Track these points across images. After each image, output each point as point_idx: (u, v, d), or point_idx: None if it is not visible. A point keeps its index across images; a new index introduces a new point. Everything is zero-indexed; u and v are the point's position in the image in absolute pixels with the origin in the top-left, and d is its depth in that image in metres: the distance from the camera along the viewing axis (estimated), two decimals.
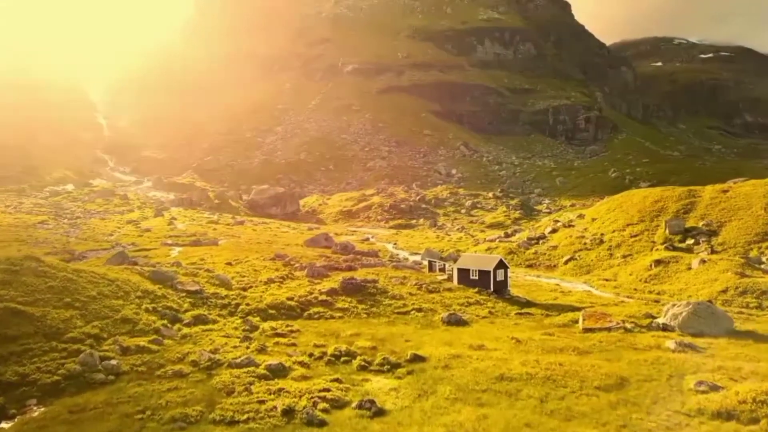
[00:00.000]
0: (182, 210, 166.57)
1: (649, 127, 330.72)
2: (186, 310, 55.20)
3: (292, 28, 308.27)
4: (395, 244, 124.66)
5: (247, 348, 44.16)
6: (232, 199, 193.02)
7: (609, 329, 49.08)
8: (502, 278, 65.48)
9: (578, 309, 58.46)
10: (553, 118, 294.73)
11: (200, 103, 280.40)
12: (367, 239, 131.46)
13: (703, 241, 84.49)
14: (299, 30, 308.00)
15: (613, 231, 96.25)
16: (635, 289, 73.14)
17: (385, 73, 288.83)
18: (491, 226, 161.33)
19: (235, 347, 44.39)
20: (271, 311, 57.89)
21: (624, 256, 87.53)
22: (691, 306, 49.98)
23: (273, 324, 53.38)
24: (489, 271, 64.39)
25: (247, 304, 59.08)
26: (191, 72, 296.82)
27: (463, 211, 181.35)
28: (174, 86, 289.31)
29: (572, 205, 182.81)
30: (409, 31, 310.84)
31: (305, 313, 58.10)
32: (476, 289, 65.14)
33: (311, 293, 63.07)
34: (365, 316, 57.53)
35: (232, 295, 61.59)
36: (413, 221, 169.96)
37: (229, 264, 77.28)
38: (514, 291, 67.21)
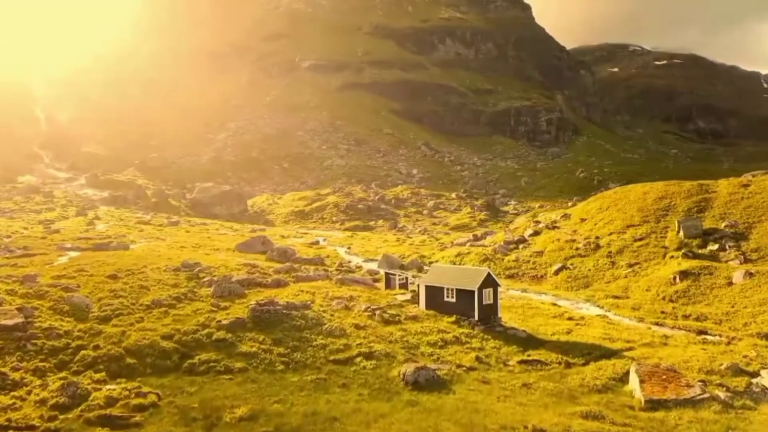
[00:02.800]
0: (113, 209, 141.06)
1: (608, 131, 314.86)
2: None
3: (247, 22, 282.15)
4: (348, 248, 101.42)
5: None
6: (173, 197, 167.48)
7: (693, 402, 26.88)
8: (491, 301, 42.92)
9: (612, 353, 36.32)
10: (515, 119, 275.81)
11: (149, 98, 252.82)
12: (317, 242, 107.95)
13: (730, 247, 63.55)
14: (255, 24, 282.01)
15: (610, 234, 74.86)
16: (663, 312, 51.47)
17: (344, 70, 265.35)
18: (456, 228, 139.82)
19: None
20: (130, 360, 34.25)
21: (630, 265, 66.01)
22: None
23: (117, 389, 29.78)
24: (472, 292, 41.77)
25: (96, 348, 35.37)
26: (140, 67, 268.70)
27: (425, 212, 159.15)
28: (121, 81, 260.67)
29: (541, 206, 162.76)
30: (369, 28, 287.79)
31: (186, 364, 34.56)
32: (453, 318, 42.47)
33: (206, 326, 39.51)
34: (281, 368, 34.20)
35: (79, 330, 37.69)
36: (371, 223, 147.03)
37: (114, 277, 53.17)
38: (505, 317, 44.76)
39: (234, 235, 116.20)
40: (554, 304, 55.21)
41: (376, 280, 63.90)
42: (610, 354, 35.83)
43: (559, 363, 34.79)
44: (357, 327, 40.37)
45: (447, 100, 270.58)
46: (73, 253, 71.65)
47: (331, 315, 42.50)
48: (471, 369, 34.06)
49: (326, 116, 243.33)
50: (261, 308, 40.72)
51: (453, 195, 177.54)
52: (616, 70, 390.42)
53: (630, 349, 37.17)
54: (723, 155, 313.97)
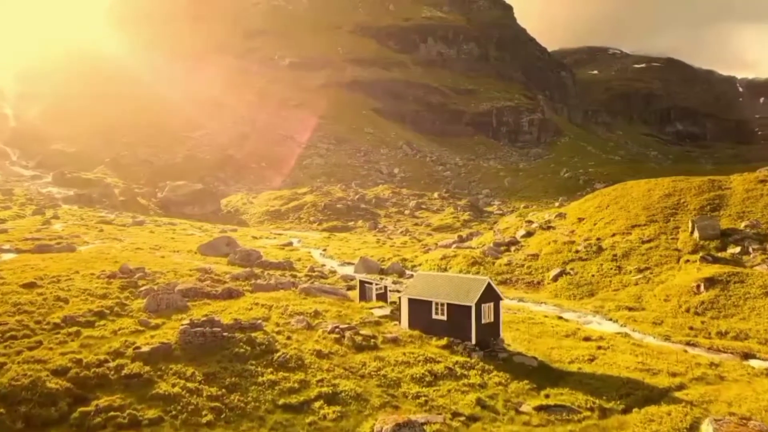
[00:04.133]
0: (76, 208, 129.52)
1: (589, 132, 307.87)
2: None
3: (226, 18, 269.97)
4: (324, 250, 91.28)
5: None
6: (143, 196, 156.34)
7: None
8: (491, 319, 33.09)
9: (659, 393, 26.72)
10: (497, 119, 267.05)
11: (123, 95, 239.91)
12: (290, 244, 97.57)
13: (754, 250, 54.55)
14: (234, 20, 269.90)
15: (613, 235, 65.59)
16: (692, 329, 42.14)
17: (325, 68, 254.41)
18: (439, 228, 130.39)
19: None
20: None
21: (640, 270, 56.77)
22: None
23: None
24: (468, 308, 31.91)
25: None
26: (115, 63, 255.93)
27: (406, 212, 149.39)
28: (94, 78, 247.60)
29: (526, 207, 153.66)
30: (351, 26, 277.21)
31: (76, 413, 24.24)
32: (444, 341, 32.54)
33: (120, 354, 29.20)
34: (209, 418, 24.04)
35: None
36: (351, 223, 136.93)
37: (30, 285, 42.67)
38: (507, 337, 34.96)
39: (202, 235, 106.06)
40: (560, 318, 45.64)
41: (351, 288, 54.01)
42: (657, 395, 26.22)
43: (591, 409, 25.02)
44: (320, 355, 30.23)
45: (429, 100, 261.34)
46: (8, 255, 61.09)
47: (288, 338, 32.34)
48: (472, 419, 24.14)
49: (306, 114, 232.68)
50: (194, 330, 30.42)
51: (435, 195, 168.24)
52: (595, 72, 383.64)
53: (680, 387, 27.62)
54: (701, 157, 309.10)
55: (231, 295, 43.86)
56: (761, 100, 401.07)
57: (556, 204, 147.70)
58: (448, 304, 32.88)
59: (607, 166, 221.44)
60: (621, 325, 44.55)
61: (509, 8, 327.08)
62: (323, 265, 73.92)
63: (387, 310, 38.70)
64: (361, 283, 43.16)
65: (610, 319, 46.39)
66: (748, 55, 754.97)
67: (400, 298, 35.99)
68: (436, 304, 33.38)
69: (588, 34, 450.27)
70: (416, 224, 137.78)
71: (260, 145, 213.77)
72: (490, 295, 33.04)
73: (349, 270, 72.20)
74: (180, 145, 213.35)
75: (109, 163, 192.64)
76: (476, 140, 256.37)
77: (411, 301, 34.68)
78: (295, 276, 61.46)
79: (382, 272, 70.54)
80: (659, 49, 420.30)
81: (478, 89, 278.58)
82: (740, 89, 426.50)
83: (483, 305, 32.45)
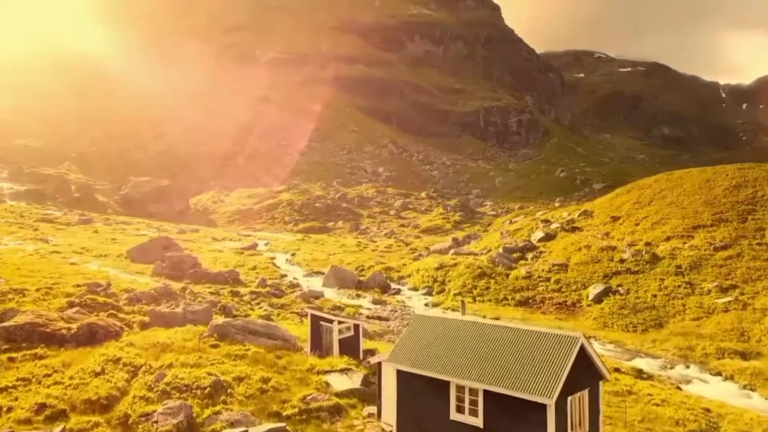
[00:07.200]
0: (23, 205, 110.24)
1: (577, 134, 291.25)
2: None
3: (205, 12, 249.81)
4: (292, 255, 71.59)
5: None
6: (103, 193, 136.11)
7: None
8: (587, 427, 14.02)
9: None
10: (484, 120, 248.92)
11: (99, 90, 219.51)
12: (254, 247, 77.85)
13: None
14: (214, 14, 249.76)
15: (668, 239, 47.00)
16: None
17: (307, 64, 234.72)
18: (428, 230, 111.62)
19: None
20: None
21: (724, 290, 38.23)
22: None
23: None
24: (541, 408, 12.82)
25: None
26: (92, 57, 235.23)
27: (392, 212, 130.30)
28: (70, 72, 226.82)
29: (521, 207, 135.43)
30: (335, 22, 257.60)
31: None
32: None
33: None
34: None
35: None
36: (330, 224, 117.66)
37: None
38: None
39: (155, 236, 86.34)
40: (641, 373, 26.65)
41: (302, 317, 34.59)
42: None
43: None
44: None
45: (415, 99, 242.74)
46: None
47: None
48: None
49: (287, 111, 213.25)
50: None
51: (423, 194, 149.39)
52: (581, 75, 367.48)
53: None
54: (690, 161, 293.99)
55: (92, 337, 24.48)
56: (744, 105, 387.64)
57: (556, 204, 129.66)
58: (488, 394, 13.73)
59: (600, 167, 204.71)
60: (744, 387, 25.75)
61: (497, 8, 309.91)
62: (284, 276, 54.56)
63: (356, 379, 19.48)
64: (315, 319, 23.67)
65: (719, 374, 27.61)
66: (731, 60, 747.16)
67: (381, 364, 16.77)
68: (461, 389, 14.20)
69: (573, 38, 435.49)
70: (402, 225, 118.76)
71: (237, 142, 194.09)
72: (582, 372, 13.95)
73: (316, 282, 53.20)
74: (154, 140, 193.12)
75: (75, 159, 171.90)
76: (463, 140, 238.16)
77: (404, 377, 15.46)
78: (236, 293, 42.18)
79: (360, 286, 51.62)
80: (644, 53, 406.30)
81: (465, 89, 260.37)
82: (723, 95, 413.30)
83: (570, 399, 13.39)
